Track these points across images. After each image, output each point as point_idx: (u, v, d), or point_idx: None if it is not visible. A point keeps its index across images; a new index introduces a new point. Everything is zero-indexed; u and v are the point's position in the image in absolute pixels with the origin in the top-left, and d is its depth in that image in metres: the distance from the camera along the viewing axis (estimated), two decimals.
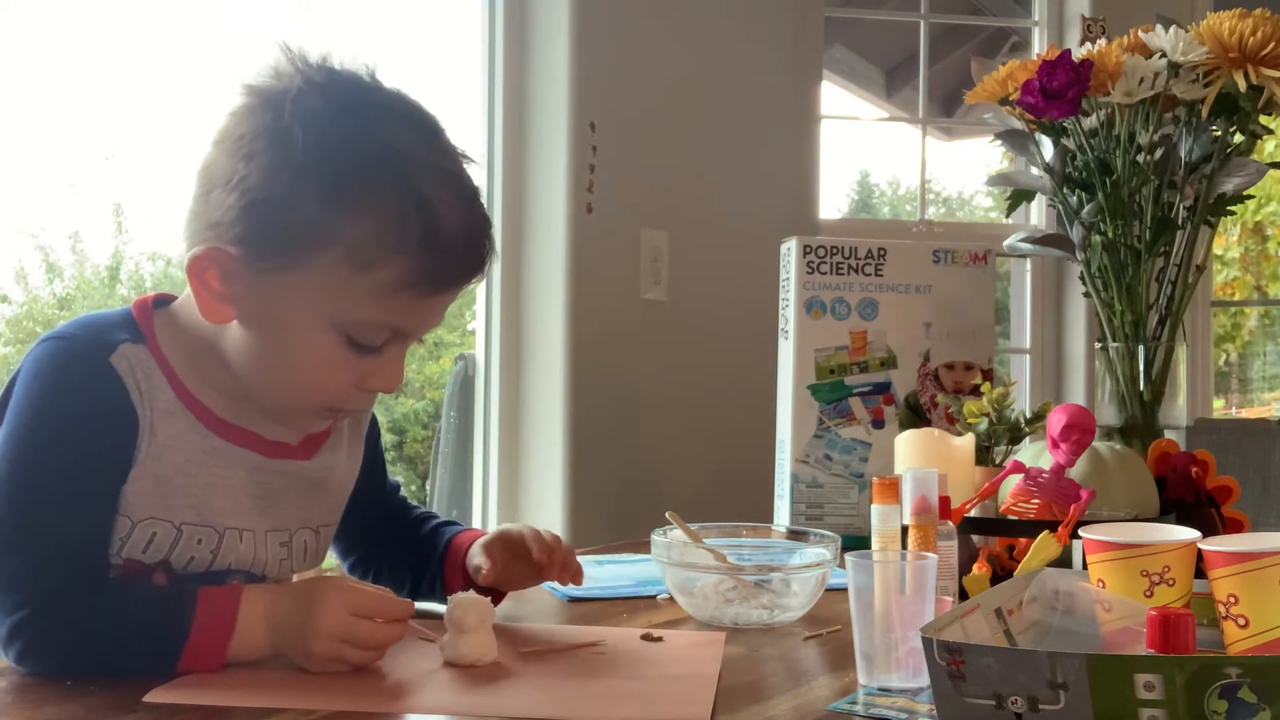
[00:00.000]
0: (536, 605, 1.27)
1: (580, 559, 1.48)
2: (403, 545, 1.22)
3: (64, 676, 0.91)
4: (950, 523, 1.05)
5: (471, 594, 1.00)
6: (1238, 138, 1.40)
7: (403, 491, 1.33)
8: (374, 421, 1.19)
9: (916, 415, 1.68)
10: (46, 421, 0.94)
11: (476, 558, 1.14)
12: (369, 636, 0.93)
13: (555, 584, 1.36)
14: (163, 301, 1.04)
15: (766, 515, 1.71)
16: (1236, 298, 7.94)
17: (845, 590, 0.95)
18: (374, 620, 0.94)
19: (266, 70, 0.97)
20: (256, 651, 0.94)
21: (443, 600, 1.06)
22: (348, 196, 0.92)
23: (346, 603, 0.93)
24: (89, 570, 0.94)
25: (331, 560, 1.21)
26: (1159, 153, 1.40)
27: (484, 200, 1.07)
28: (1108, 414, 1.43)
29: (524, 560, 1.15)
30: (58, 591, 0.91)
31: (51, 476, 0.93)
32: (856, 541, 1.16)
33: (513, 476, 2.23)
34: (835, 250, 1.68)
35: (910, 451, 1.36)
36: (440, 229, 0.93)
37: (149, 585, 0.98)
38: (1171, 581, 0.94)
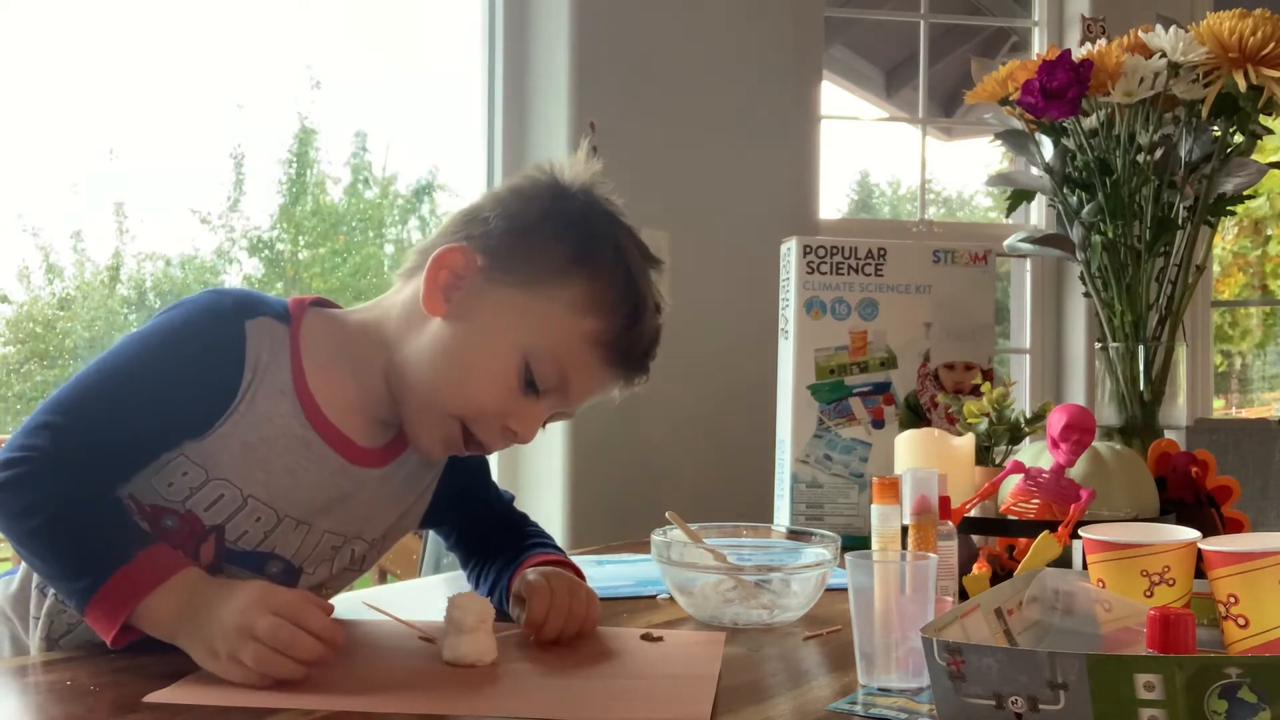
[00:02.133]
0: None
1: (580, 559, 1.48)
2: (501, 555, 1.25)
3: (8, 533, 0.96)
4: (950, 523, 1.05)
5: (472, 594, 1.00)
6: (1238, 138, 1.40)
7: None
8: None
9: (916, 415, 1.68)
10: (164, 339, 1.03)
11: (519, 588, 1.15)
12: (273, 634, 0.89)
13: None
14: (320, 304, 1.13)
15: (766, 515, 1.71)
16: (1225, 296, 7.93)
17: (845, 590, 0.95)
18: (291, 625, 0.90)
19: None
20: (160, 623, 0.93)
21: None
22: (593, 256, 1.09)
23: (260, 601, 0.91)
24: (97, 468, 0.98)
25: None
26: (1159, 153, 1.40)
27: None
28: (1108, 414, 1.43)
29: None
30: (61, 463, 0.96)
31: (133, 381, 1.01)
32: (856, 541, 1.16)
33: (513, 476, 2.22)
34: (835, 250, 1.68)
35: (910, 451, 1.36)
36: (643, 313, 1.14)
37: (126, 517, 0.99)
38: (1171, 581, 0.94)
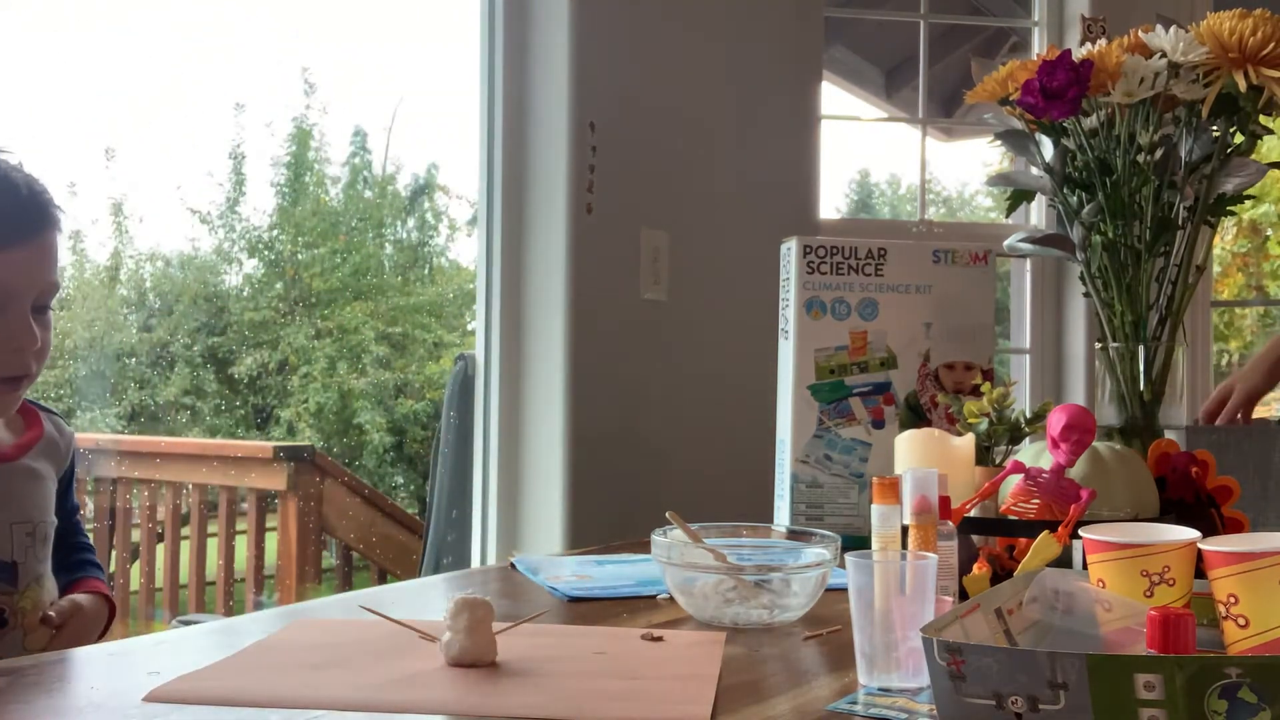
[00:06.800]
0: (536, 605, 1.27)
1: (580, 559, 1.48)
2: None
3: None
4: (950, 523, 1.05)
5: (472, 594, 1.00)
6: (1238, 138, 1.40)
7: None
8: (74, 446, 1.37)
9: (916, 415, 1.68)
10: None
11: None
12: None
13: (555, 584, 1.37)
14: None
15: (766, 515, 1.71)
16: (1223, 296, 7.94)
17: (845, 590, 0.95)
18: None
19: None
20: None
21: None
22: None
23: None
24: None
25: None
26: (1159, 153, 1.40)
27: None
28: (1108, 414, 1.43)
29: None
30: None
31: None
32: (856, 541, 1.15)
33: (513, 476, 2.23)
34: (835, 250, 1.68)
35: (910, 451, 1.36)
36: None
37: None
38: (1171, 581, 0.94)
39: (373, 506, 5.13)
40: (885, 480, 1.04)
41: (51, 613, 1.22)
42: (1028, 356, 2.88)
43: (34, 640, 1.20)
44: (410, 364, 9.79)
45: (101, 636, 1.29)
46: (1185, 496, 1.29)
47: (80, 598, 1.28)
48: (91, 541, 1.43)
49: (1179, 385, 1.41)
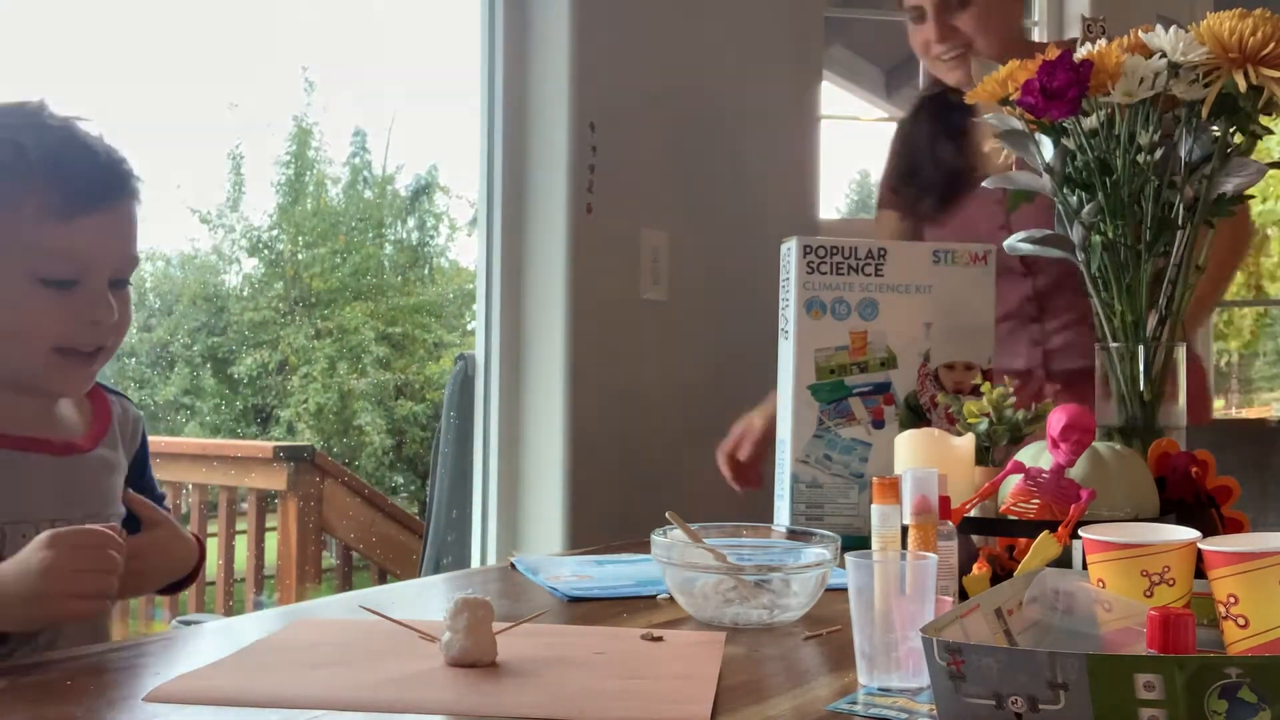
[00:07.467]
0: (536, 606, 1.27)
1: (580, 559, 1.48)
2: None
3: None
4: (950, 523, 1.05)
5: (472, 594, 1.00)
6: (1238, 138, 1.40)
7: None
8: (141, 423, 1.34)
9: (916, 415, 1.68)
10: None
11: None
12: (72, 555, 1.03)
13: (555, 584, 1.37)
14: None
15: (766, 515, 1.71)
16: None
17: (845, 590, 0.95)
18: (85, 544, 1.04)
19: None
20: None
21: None
22: None
23: (49, 539, 1.04)
24: None
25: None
26: (1159, 153, 1.40)
27: None
28: (1108, 414, 1.43)
29: None
30: None
31: None
32: (856, 541, 1.15)
33: (513, 476, 2.23)
34: (835, 250, 1.68)
35: (910, 451, 1.36)
36: (64, 153, 1.16)
37: None
38: (1171, 581, 0.94)
39: (373, 506, 5.13)
40: (885, 480, 1.04)
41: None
42: None
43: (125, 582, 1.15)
44: (410, 364, 9.80)
45: (194, 576, 1.30)
46: (1185, 496, 1.29)
47: (145, 535, 1.23)
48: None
49: (1179, 385, 1.41)
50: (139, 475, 1.31)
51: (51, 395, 1.22)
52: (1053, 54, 1.37)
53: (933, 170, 2.05)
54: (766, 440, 1.85)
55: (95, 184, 1.15)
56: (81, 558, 1.03)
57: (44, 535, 1.04)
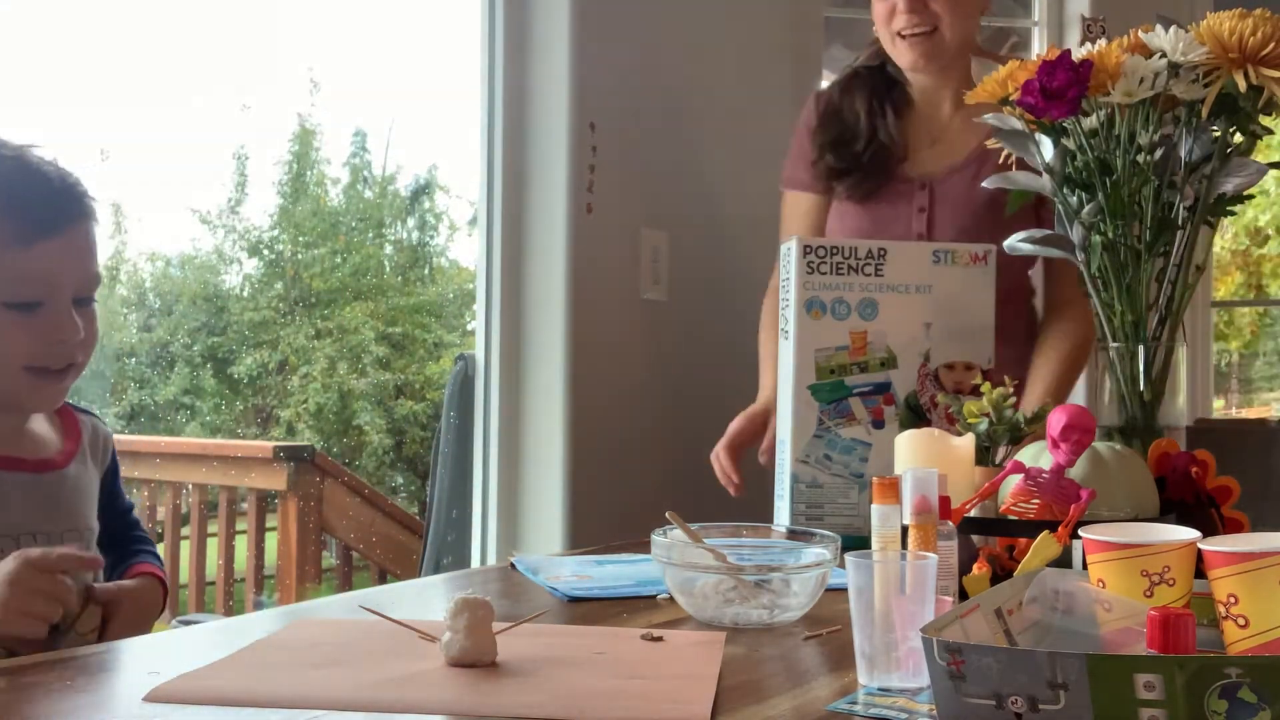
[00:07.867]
0: (536, 606, 1.27)
1: (580, 559, 1.48)
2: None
3: None
4: (950, 523, 1.05)
5: (472, 594, 1.00)
6: (1238, 138, 1.40)
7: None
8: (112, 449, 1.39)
9: (916, 415, 1.68)
10: None
11: None
12: (28, 578, 1.08)
13: (555, 584, 1.37)
14: None
15: (766, 515, 1.71)
16: (1220, 295, 7.95)
17: (845, 590, 0.95)
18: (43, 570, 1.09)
19: None
20: None
21: None
22: None
23: (15, 557, 1.09)
24: None
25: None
26: (1159, 153, 1.40)
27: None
28: (1108, 414, 1.43)
29: None
30: None
31: None
32: (856, 541, 1.15)
33: (513, 476, 2.22)
34: (835, 250, 1.68)
35: (910, 451, 1.36)
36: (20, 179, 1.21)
37: None
38: (1171, 581, 0.94)
39: (373, 506, 5.13)
40: (885, 480, 1.04)
41: (95, 586, 1.23)
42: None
43: (84, 622, 1.19)
44: (410, 364, 9.79)
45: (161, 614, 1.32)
46: (1185, 496, 1.29)
47: (126, 582, 1.28)
48: (147, 535, 1.44)
49: (1179, 385, 1.41)
50: (109, 491, 1.36)
51: (26, 412, 1.26)
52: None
53: (864, 146, 1.94)
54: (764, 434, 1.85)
55: (52, 209, 1.20)
56: (40, 580, 1.09)
57: (22, 550, 1.10)
